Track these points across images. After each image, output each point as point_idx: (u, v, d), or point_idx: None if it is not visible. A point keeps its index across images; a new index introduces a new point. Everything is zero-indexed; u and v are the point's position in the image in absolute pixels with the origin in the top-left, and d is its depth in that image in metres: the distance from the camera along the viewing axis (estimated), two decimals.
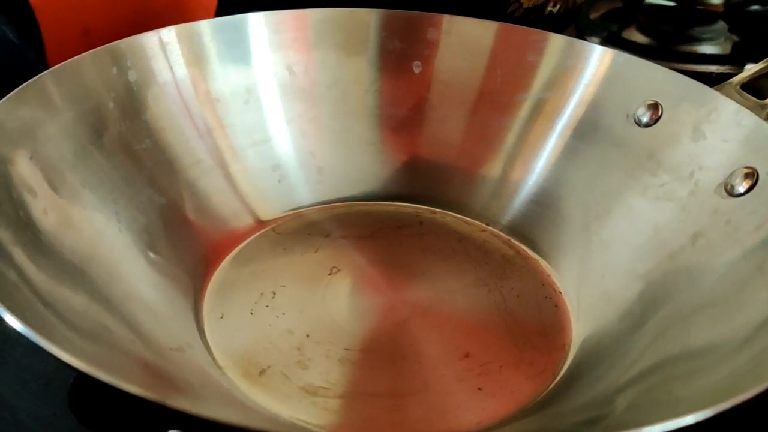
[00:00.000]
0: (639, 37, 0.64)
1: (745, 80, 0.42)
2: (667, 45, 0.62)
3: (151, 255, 0.38)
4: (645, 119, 0.42)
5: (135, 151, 0.40)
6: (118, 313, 0.33)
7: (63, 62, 0.38)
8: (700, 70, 0.58)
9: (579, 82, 0.45)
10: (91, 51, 0.39)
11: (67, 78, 0.38)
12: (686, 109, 0.41)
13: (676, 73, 0.42)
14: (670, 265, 0.38)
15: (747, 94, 0.41)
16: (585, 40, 0.45)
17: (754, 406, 0.25)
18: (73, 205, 0.35)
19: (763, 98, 0.40)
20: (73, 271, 0.33)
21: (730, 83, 0.42)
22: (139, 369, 0.31)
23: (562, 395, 0.35)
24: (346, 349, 0.36)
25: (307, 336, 0.37)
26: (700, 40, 0.63)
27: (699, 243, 0.37)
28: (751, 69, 0.43)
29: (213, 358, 0.35)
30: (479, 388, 0.35)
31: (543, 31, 0.46)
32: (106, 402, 0.31)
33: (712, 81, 0.42)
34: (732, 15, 0.64)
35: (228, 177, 0.44)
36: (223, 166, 0.44)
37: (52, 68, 0.38)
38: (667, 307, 0.36)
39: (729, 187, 0.37)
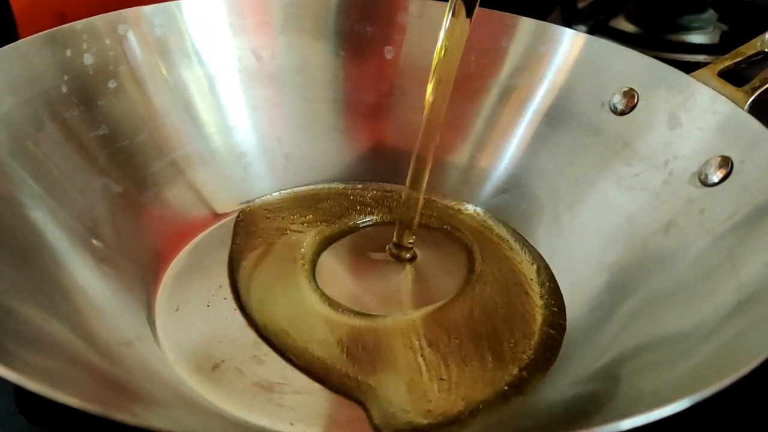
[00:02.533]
0: (627, 26, 0.62)
1: (723, 66, 0.40)
2: (655, 34, 0.61)
3: (100, 246, 0.36)
4: (620, 106, 0.41)
5: (89, 138, 0.39)
6: (61, 309, 0.32)
7: (5, 46, 0.36)
8: (688, 60, 0.57)
9: (551, 67, 0.43)
10: (41, 33, 0.38)
11: (9, 62, 0.36)
12: (662, 96, 0.40)
13: (652, 59, 0.41)
14: (642, 254, 0.37)
15: (725, 81, 0.39)
16: (572, 29, 0.44)
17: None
18: (13, 197, 0.34)
19: (742, 85, 0.39)
20: (9, 269, 0.31)
21: (707, 69, 0.40)
22: (80, 373, 0.29)
23: (528, 386, 0.34)
24: (308, 342, 0.35)
25: (268, 329, 0.35)
26: (688, 29, 0.61)
27: (671, 232, 0.36)
28: (729, 55, 0.41)
29: (163, 352, 0.34)
30: (441, 379, 0.33)
31: (514, 15, 0.45)
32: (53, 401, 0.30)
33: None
34: (721, 4, 0.63)
35: (190, 165, 0.43)
36: (185, 154, 0.43)
37: None
38: (637, 296, 0.35)
39: (703, 176, 0.36)
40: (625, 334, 0.34)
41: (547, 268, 0.40)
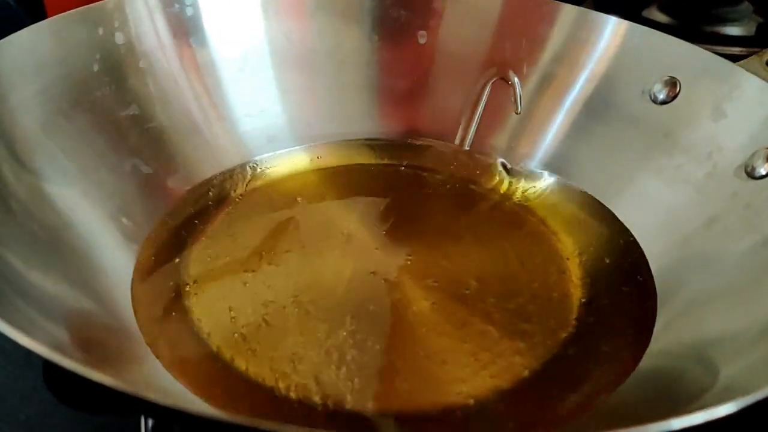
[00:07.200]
0: (660, 17, 0.61)
1: None
2: (689, 25, 0.60)
3: (129, 225, 0.36)
4: (661, 96, 0.40)
5: (120, 118, 0.39)
6: (90, 287, 0.31)
7: (38, 23, 0.36)
8: (723, 52, 0.55)
9: (591, 55, 0.42)
10: (73, 10, 0.37)
11: (41, 39, 0.36)
12: (706, 85, 0.39)
13: (697, 47, 0.40)
14: (683, 252, 0.36)
15: None
16: None
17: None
18: (46, 174, 0.34)
19: None
20: (42, 245, 0.31)
21: (756, 59, 0.40)
22: (109, 352, 0.29)
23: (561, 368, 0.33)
24: (335, 315, 0.34)
25: (294, 301, 0.35)
26: (724, 21, 0.60)
27: (715, 228, 0.35)
28: None
29: (195, 328, 0.33)
30: (475, 359, 0.33)
31: (554, 1, 0.44)
32: (81, 378, 0.30)
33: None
34: None
35: (219, 147, 0.42)
36: (214, 136, 0.42)
37: (25, 29, 0.35)
38: (679, 295, 0.34)
39: (750, 168, 0.35)
40: (663, 336, 0.33)
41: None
